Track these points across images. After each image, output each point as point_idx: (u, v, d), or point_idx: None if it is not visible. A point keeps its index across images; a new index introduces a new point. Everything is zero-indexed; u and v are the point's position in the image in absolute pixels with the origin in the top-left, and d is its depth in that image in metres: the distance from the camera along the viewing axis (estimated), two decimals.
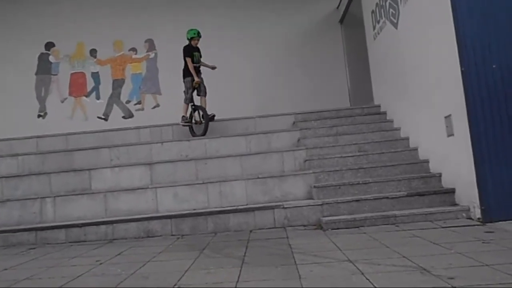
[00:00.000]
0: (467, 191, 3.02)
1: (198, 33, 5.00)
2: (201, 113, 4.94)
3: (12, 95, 6.80)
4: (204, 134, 4.88)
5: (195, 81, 4.92)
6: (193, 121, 5.07)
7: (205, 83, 5.10)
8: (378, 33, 4.93)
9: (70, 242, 3.38)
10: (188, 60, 4.96)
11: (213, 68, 5.11)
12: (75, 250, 3.03)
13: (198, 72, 5.02)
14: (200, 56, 5.10)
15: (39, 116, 6.94)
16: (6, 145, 5.25)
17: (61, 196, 3.86)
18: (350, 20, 6.54)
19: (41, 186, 4.15)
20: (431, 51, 3.46)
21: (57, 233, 3.44)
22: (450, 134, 3.23)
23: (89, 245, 3.21)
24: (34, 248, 3.22)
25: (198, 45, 5.08)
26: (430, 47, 3.48)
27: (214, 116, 4.99)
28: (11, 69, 6.85)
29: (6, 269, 2.48)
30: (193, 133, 5.02)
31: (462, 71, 2.91)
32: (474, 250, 2.13)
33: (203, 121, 4.89)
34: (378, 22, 4.89)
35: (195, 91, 5.06)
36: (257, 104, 6.27)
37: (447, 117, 3.24)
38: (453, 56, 2.99)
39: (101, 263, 2.46)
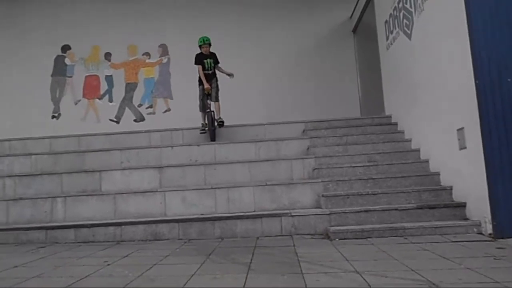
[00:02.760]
0: (479, 206, 2.96)
1: (205, 40, 4.98)
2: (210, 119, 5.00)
3: (28, 96, 7.01)
4: (212, 140, 4.93)
5: (205, 88, 4.97)
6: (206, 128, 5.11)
7: (220, 87, 5.11)
8: (391, 44, 4.93)
9: (79, 242, 3.43)
10: (199, 68, 5.02)
11: (230, 75, 5.08)
12: (83, 250, 3.07)
13: (211, 78, 5.04)
14: (217, 62, 5.10)
15: (53, 117, 7.13)
16: (21, 144, 5.40)
17: (71, 196, 3.92)
18: (363, 29, 6.55)
19: (53, 185, 4.23)
20: (444, 63, 3.44)
21: (67, 232, 3.50)
22: (463, 147, 3.18)
23: (97, 245, 3.25)
24: (44, 247, 3.27)
25: (214, 51, 5.10)
26: (444, 58, 3.46)
27: (222, 122, 5.01)
28: (29, 70, 7.08)
29: (16, 266, 2.53)
30: (211, 139, 5.03)
31: (476, 84, 2.88)
32: (485, 266, 2.08)
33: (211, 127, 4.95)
34: (392, 32, 4.89)
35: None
36: (268, 112, 6.31)
37: (460, 130, 3.20)
38: (467, 68, 2.97)
39: (108, 264, 2.49)
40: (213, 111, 5.02)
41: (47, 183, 4.25)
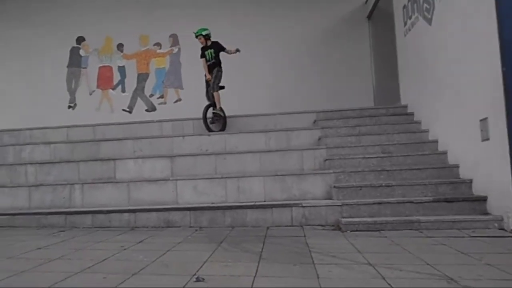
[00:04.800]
0: (501, 200, 2.84)
1: (196, 33, 4.98)
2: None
3: (47, 86, 7.21)
4: (221, 129, 4.93)
5: (207, 78, 5.03)
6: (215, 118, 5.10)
7: (220, 78, 5.06)
8: (410, 29, 4.72)
9: (95, 227, 3.54)
10: (202, 60, 5.09)
11: (237, 51, 5.00)
12: (100, 234, 3.16)
13: (213, 69, 5.03)
14: (221, 49, 5.04)
15: (69, 107, 7.30)
16: (41, 133, 5.58)
17: (88, 183, 4.04)
18: (378, 15, 6.31)
19: (71, 173, 4.37)
20: (468, 49, 3.27)
21: (84, 217, 3.61)
22: (485, 139, 3.04)
23: (113, 231, 3.34)
24: (63, 231, 3.40)
25: (221, 40, 5.08)
26: (467, 44, 3.28)
27: (217, 114, 4.97)
28: (46, 62, 7.24)
29: (39, 248, 2.65)
30: (208, 129, 5.02)
31: (503, 71, 2.72)
32: (507, 263, 2.00)
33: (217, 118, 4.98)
34: (410, 17, 4.68)
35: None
36: (278, 102, 6.23)
37: (483, 120, 3.06)
38: (494, 55, 2.80)
39: (125, 249, 2.56)
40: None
41: (65, 170, 4.39)
